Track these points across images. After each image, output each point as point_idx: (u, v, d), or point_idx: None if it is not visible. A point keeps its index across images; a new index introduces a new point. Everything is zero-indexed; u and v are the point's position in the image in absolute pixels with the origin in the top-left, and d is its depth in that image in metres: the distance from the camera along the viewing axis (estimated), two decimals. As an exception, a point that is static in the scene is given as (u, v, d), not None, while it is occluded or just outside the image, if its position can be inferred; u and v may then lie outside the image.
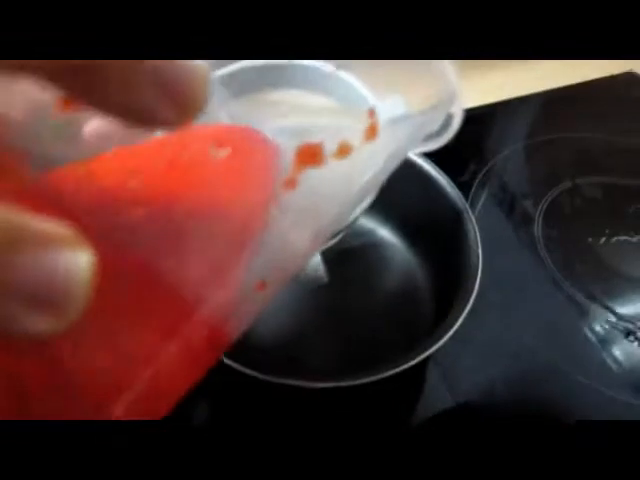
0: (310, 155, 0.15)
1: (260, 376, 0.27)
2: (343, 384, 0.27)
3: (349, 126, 0.19)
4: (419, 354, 0.29)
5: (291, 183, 0.15)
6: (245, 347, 0.35)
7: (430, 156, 0.39)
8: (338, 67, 0.25)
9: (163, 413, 0.13)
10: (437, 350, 0.35)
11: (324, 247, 0.25)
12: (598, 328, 0.42)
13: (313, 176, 0.15)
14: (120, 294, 0.12)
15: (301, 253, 0.15)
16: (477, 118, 0.58)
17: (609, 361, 0.40)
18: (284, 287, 0.15)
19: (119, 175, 0.14)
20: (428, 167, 0.39)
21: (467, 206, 0.37)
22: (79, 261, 0.10)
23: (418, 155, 0.39)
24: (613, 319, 0.42)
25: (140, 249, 0.13)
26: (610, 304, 0.43)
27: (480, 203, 0.49)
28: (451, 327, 0.30)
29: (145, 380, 0.12)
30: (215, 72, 0.24)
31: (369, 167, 0.16)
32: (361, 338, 0.38)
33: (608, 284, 0.45)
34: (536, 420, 0.36)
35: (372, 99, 0.27)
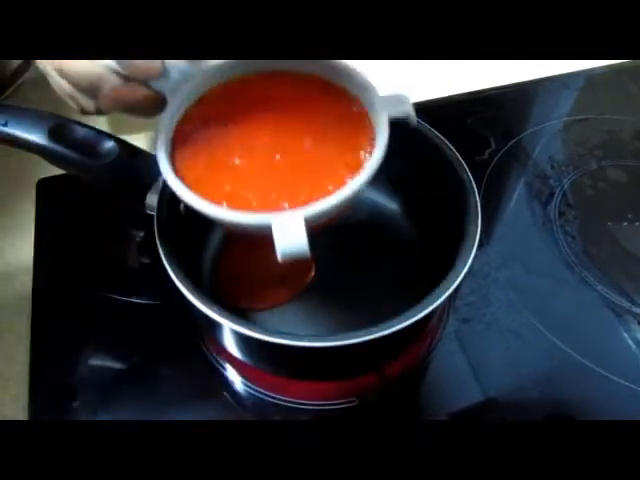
0: None
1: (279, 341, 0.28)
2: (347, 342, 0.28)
3: None
4: (415, 313, 0.28)
5: None
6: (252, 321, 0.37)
7: (447, 133, 0.38)
8: None
9: None
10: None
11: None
12: (611, 313, 0.41)
13: None
14: None
15: None
16: (502, 97, 0.57)
17: (626, 347, 0.39)
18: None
19: None
20: (424, 129, 0.37)
21: (463, 163, 0.35)
22: None
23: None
24: (628, 304, 0.42)
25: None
26: (626, 288, 0.42)
27: (497, 180, 0.49)
28: (452, 284, 0.29)
29: None
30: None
31: None
32: (359, 306, 0.38)
33: (625, 269, 0.44)
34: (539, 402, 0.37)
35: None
